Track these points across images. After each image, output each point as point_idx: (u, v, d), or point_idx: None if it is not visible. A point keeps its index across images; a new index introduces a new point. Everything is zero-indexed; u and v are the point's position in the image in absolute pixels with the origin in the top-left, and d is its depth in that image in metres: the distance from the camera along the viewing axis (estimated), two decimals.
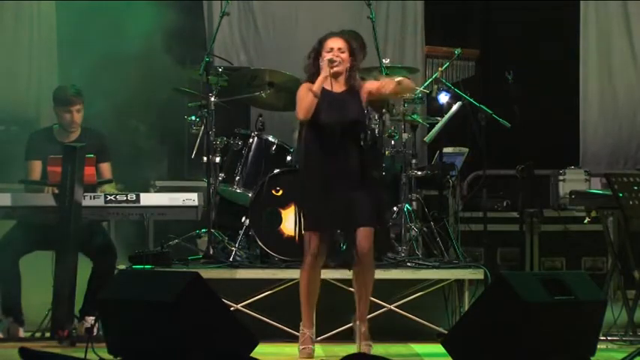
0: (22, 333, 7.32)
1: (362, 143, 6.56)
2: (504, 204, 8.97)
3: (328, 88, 6.57)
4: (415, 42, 9.74)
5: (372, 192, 6.59)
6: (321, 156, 6.54)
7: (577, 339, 5.92)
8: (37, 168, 7.51)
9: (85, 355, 5.91)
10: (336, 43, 6.59)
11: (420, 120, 8.08)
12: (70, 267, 7.04)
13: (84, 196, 7.14)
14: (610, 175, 7.34)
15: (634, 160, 9.63)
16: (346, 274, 7.18)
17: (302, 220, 6.58)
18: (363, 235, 6.52)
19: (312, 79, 6.58)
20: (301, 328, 6.64)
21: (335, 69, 6.54)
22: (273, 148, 7.94)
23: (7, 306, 7.35)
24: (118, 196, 7.26)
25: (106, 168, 7.58)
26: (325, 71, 6.52)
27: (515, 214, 8.70)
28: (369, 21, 7.90)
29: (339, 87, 6.62)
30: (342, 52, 6.58)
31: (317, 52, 6.61)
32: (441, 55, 8.57)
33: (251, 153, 7.92)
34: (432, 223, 7.97)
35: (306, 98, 6.52)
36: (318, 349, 6.74)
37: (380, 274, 7.23)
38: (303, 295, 6.61)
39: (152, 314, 5.69)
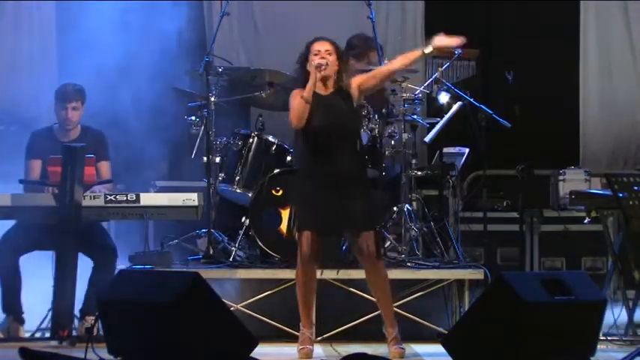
0: (22, 332, 7.33)
1: (357, 148, 6.58)
2: (504, 204, 8.97)
3: (319, 91, 6.59)
4: (415, 42, 9.73)
5: (366, 194, 6.60)
6: (315, 158, 6.57)
7: (577, 339, 5.92)
8: (37, 167, 7.51)
9: (85, 355, 5.91)
10: (322, 45, 6.60)
11: (420, 120, 8.07)
12: (70, 267, 7.04)
13: (84, 196, 7.14)
14: (610, 175, 7.34)
15: (634, 160, 9.62)
16: (346, 274, 7.20)
17: (295, 220, 6.63)
18: (363, 239, 6.54)
19: (301, 85, 6.57)
20: (301, 328, 6.65)
21: (324, 72, 6.54)
22: (273, 148, 7.93)
23: (8, 304, 7.35)
24: (118, 196, 7.26)
25: (104, 167, 7.58)
26: (314, 76, 6.52)
27: (515, 214, 8.69)
28: (369, 21, 7.89)
29: (328, 90, 6.63)
30: (330, 54, 6.58)
31: (305, 57, 6.61)
32: (441, 55, 8.56)
33: (251, 153, 7.92)
34: (432, 223, 7.97)
35: (297, 105, 6.53)
36: (318, 349, 6.74)
37: None
38: (299, 296, 6.64)
39: (152, 314, 5.69)
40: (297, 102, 6.52)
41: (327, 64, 6.54)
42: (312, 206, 6.53)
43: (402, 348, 6.60)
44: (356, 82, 6.68)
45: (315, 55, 6.56)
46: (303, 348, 6.59)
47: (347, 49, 7.78)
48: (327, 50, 6.58)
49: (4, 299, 7.35)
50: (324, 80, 6.60)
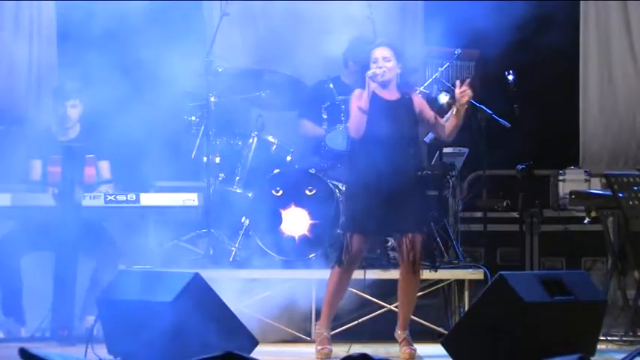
0: (23, 333, 7.33)
1: (414, 152, 6.55)
2: (504, 204, 8.97)
3: (381, 95, 6.55)
4: (415, 42, 9.73)
5: (417, 199, 6.56)
6: (369, 160, 6.50)
7: (577, 339, 5.92)
8: (37, 167, 7.52)
9: (85, 355, 5.91)
10: (380, 52, 6.54)
11: None
12: (70, 267, 7.04)
13: (84, 196, 7.14)
14: (610, 175, 7.34)
15: (634, 160, 9.62)
16: None
17: (344, 221, 6.61)
18: (406, 243, 6.51)
19: (361, 85, 6.52)
20: (318, 327, 6.65)
21: (381, 79, 6.49)
22: (273, 148, 7.94)
23: (9, 306, 7.35)
24: (118, 196, 7.26)
25: (104, 166, 7.58)
26: (368, 86, 6.45)
27: (515, 214, 8.69)
28: (369, 21, 7.89)
29: (390, 94, 6.58)
30: (388, 62, 6.53)
31: (367, 61, 6.56)
32: (441, 55, 8.55)
33: (251, 153, 7.92)
34: (432, 223, 7.96)
35: (355, 116, 6.48)
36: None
37: (379, 274, 7.24)
38: (328, 294, 6.62)
39: (152, 314, 5.70)
40: (355, 111, 6.48)
41: (383, 73, 6.47)
42: (362, 209, 6.47)
43: (414, 349, 6.59)
44: (420, 102, 6.62)
45: (374, 62, 6.52)
46: (323, 348, 6.57)
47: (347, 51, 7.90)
48: (384, 57, 6.52)
49: (5, 302, 7.35)
50: (385, 85, 6.54)
